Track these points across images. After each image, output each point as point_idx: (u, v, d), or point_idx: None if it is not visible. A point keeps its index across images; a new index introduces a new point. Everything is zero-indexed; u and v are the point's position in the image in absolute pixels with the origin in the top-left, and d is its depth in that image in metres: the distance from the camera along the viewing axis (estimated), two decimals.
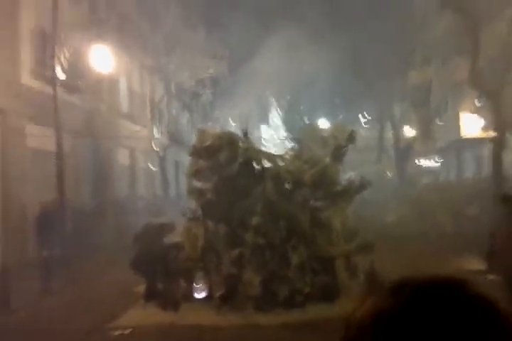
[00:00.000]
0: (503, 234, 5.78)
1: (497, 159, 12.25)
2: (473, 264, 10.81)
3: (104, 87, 17.43)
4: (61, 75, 12.69)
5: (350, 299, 7.83)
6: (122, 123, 19.65)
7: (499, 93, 12.04)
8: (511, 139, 18.57)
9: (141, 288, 8.14)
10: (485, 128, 18.90)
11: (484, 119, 19.24)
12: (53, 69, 12.44)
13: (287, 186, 8.51)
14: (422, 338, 0.55)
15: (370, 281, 8.28)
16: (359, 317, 0.61)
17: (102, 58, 14.58)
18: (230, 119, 32.80)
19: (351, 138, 8.52)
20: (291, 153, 9.11)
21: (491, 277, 9.33)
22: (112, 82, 18.50)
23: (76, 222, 13.07)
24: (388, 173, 24.56)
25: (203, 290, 7.90)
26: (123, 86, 21.02)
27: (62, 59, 12.78)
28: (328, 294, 7.83)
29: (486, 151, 16.54)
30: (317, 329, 6.57)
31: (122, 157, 20.30)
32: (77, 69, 15.02)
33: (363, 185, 9.25)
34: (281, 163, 8.76)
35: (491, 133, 15.25)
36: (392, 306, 0.59)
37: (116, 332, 6.51)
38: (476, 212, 15.30)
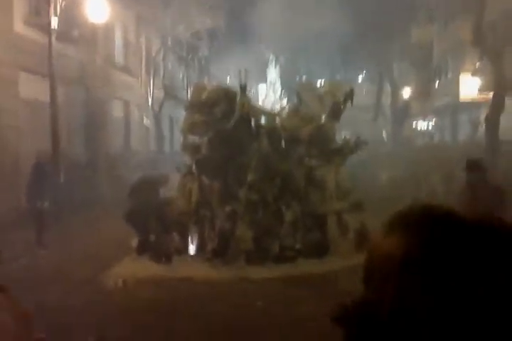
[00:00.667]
0: (466, 202, 5.60)
1: (492, 123, 12.19)
2: None
3: (99, 37, 16.95)
4: (56, 24, 12.27)
5: (339, 255, 8.01)
6: (117, 75, 19.26)
7: (501, 54, 11.82)
8: (508, 102, 18.45)
9: (135, 240, 8.25)
10: (483, 90, 18.72)
11: (483, 81, 19.02)
12: (48, 18, 12.03)
13: (283, 143, 8.47)
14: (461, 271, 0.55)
15: (360, 239, 8.44)
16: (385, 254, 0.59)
17: (97, 8, 14.08)
18: (227, 75, 32.24)
19: (349, 95, 8.40)
20: (287, 109, 9.01)
21: None
22: (107, 33, 17.99)
23: (69, 174, 13.05)
24: (384, 133, 24.49)
25: (196, 243, 8.03)
26: (118, 37, 20.45)
27: (57, 7, 12.31)
28: (319, 250, 7.98)
29: (483, 114, 16.44)
30: (306, 284, 6.75)
31: (116, 109, 20.05)
32: (72, 19, 14.54)
33: (358, 145, 9.23)
34: (277, 120, 8.69)
35: (489, 96, 15.12)
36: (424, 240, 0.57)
37: (108, 283, 6.64)
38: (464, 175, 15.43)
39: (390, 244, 0.59)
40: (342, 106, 8.43)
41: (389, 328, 0.56)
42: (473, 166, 5.82)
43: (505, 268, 0.55)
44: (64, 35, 13.66)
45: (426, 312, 0.54)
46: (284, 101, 33.02)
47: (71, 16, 14.36)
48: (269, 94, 43.47)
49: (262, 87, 46.66)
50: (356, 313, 0.61)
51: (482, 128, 17.09)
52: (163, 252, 7.62)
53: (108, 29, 17.51)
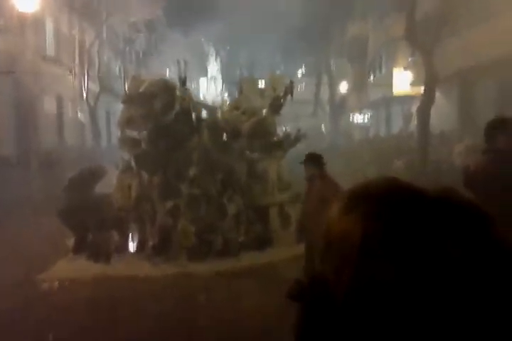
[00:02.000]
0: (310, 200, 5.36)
1: (423, 115, 12.72)
2: None
3: (28, 28, 16.10)
4: None
5: (281, 247, 8.11)
6: (48, 68, 18.41)
7: (431, 49, 12.33)
8: (438, 97, 19.33)
9: (71, 240, 7.93)
10: (415, 84, 19.50)
11: (415, 75, 19.80)
12: None
13: (224, 136, 8.43)
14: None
15: (300, 230, 8.57)
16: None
17: None
18: (166, 68, 31.63)
19: (289, 89, 8.46)
20: (228, 103, 8.95)
21: None
22: (37, 23, 17.12)
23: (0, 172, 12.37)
24: (323, 127, 24.97)
25: (136, 241, 7.83)
26: (49, 28, 19.53)
27: None
28: (261, 242, 8.03)
29: (414, 108, 17.15)
30: (250, 276, 6.77)
31: (49, 104, 19.19)
32: None
33: (298, 138, 9.35)
34: (218, 113, 8.62)
35: (420, 90, 15.76)
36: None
37: (44, 285, 6.34)
38: (401, 166, 16.06)
39: (349, 221, 0.56)
40: (282, 100, 8.48)
41: (344, 308, 0.53)
42: (311, 160, 5.63)
43: (466, 244, 0.53)
44: None
45: (385, 294, 0.51)
46: (225, 95, 32.93)
47: None
48: (211, 88, 43.25)
49: (203, 81, 46.34)
50: (312, 291, 0.57)
51: (414, 121, 17.81)
52: (102, 251, 7.36)
53: (38, 19, 16.67)
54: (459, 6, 14.52)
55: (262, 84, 10.09)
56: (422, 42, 13.02)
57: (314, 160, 5.60)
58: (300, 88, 33.05)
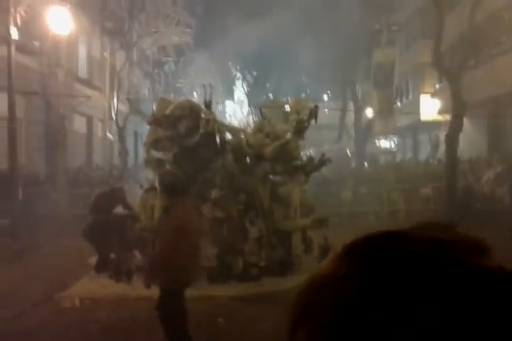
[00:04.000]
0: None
1: (451, 142, 12.57)
2: None
3: (62, 50, 16.67)
4: (15, 35, 11.99)
5: (304, 272, 7.99)
6: (80, 89, 18.94)
7: (458, 77, 12.27)
8: (466, 124, 19.12)
9: (94, 258, 7.99)
10: (442, 111, 19.35)
11: (442, 102, 19.67)
12: (7, 28, 11.75)
13: (248, 159, 8.46)
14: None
15: (324, 256, 8.45)
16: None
17: (61, 19, 13.88)
18: (193, 91, 32.21)
19: (313, 113, 8.49)
20: (253, 126, 9.02)
21: None
22: (71, 46, 17.72)
23: (27, 190, 12.63)
24: (348, 152, 24.86)
25: None
26: (82, 50, 20.18)
27: (17, 17, 12.05)
28: (283, 267, 7.93)
29: (442, 134, 16.98)
30: (269, 301, 6.67)
31: (79, 124, 19.66)
32: (33, 30, 14.27)
33: (322, 162, 9.31)
34: (242, 136, 8.68)
35: (448, 117, 15.63)
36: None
37: (65, 303, 6.37)
38: (428, 193, 15.80)
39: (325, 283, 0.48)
40: (306, 124, 8.50)
41: None
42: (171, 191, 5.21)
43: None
44: (24, 46, 13.39)
45: None
46: (251, 118, 33.22)
47: (32, 27, 14.10)
48: (237, 112, 43.73)
49: (229, 104, 46.92)
50: None
51: (441, 148, 17.61)
52: (124, 270, 7.38)
53: (71, 42, 17.27)
54: (486, 35, 14.51)
55: (287, 108, 10.16)
56: (449, 69, 12.98)
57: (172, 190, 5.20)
58: (325, 113, 33.14)
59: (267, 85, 35.22)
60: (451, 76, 12.81)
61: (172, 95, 30.20)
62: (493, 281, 0.46)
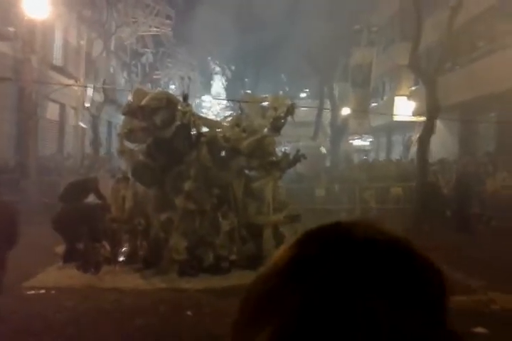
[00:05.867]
0: None
1: (423, 143, 12.79)
2: None
3: (37, 36, 16.27)
4: None
5: None
6: (54, 77, 18.55)
7: (434, 80, 12.47)
8: (439, 125, 19.46)
9: (62, 248, 7.87)
10: (417, 113, 19.66)
11: (417, 104, 19.98)
12: None
13: (223, 153, 8.44)
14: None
15: None
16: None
17: (37, 5, 13.53)
18: (170, 84, 31.89)
19: (290, 110, 8.52)
20: (230, 120, 9.00)
21: None
22: (46, 32, 17.32)
23: None
24: (323, 149, 25.03)
25: (127, 252, 7.76)
26: (58, 37, 19.75)
27: None
28: (253, 261, 7.95)
29: (415, 135, 17.26)
30: (239, 295, 6.69)
31: (51, 112, 19.27)
32: (8, 15, 13.90)
33: (297, 158, 9.36)
34: (218, 130, 8.65)
35: (422, 118, 15.89)
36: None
37: (30, 292, 6.26)
38: (399, 192, 16.07)
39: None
40: (283, 121, 8.53)
41: None
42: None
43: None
44: None
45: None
46: (228, 113, 33.10)
47: (7, 12, 13.73)
48: (214, 106, 43.52)
49: (206, 99, 46.62)
50: None
51: (414, 148, 17.90)
52: (92, 261, 7.29)
53: (47, 28, 16.88)
54: (463, 41, 14.78)
55: (265, 104, 10.16)
56: (425, 71, 13.18)
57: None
58: (302, 110, 33.29)
59: (246, 80, 35.09)
60: (427, 78, 13.02)
61: (149, 86, 29.88)
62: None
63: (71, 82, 20.35)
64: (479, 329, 5.45)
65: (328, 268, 0.50)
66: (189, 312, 5.80)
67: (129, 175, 7.94)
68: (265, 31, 24.08)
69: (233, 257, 7.89)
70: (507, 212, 11.98)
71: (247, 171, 8.73)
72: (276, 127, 8.47)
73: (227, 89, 37.41)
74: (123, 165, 8.31)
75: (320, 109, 27.04)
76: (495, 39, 16.19)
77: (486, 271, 7.76)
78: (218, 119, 19.00)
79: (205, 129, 8.42)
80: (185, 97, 8.03)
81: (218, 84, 41.96)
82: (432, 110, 12.62)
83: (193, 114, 8.02)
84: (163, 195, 7.76)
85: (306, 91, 38.58)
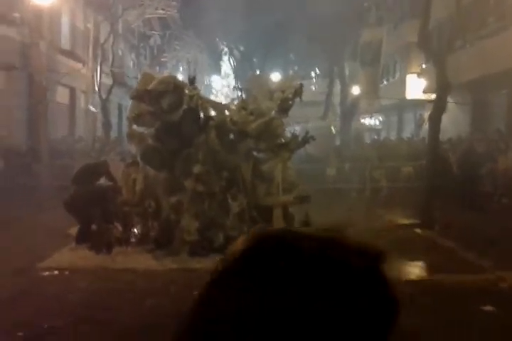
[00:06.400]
0: None
1: (434, 122, 12.66)
2: (404, 218, 11.47)
3: (44, 21, 16.24)
4: None
5: None
6: (62, 61, 18.58)
7: (444, 57, 12.27)
8: (450, 103, 19.21)
9: (75, 229, 8.02)
10: (428, 91, 19.41)
11: (428, 82, 19.71)
12: None
13: (231, 136, 8.46)
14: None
15: None
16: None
17: None
18: (179, 66, 31.74)
19: (298, 92, 8.47)
20: (237, 103, 8.99)
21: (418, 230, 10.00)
22: (53, 17, 17.29)
23: (8, 161, 12.51)
24: (333, 129, 24.91)
25: (139, 234, 7.90)
26: (65, 21, 19.70)
27: None
28: None
29: (427, 113, 17.08)
30: None
31: (61, 96, 19.37)
32: (13, 1, 13.88)
33: (306, 140, 9.36)
34: (226, 113, 8.66)
35: (433, 96, 15.68)
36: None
37: (44, 273, 6.42)
38: (410, 171, 16.00)
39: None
40: (291, 102, 8.50)
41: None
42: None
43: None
44: (5, 16, 13.03)
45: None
46: (238, 93, 32.99)
47: None
48: (224, 87, 43.31)
49: (216, 79, 46.40)
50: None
51: (425, 127, 17.74)
52: (104, 242, 7.44)
53: (54, 13, 16.84)
54: (473, 17, 14.47)
55: (272, 84, 10.11)
56: (435, 49, 12.97)
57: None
58: (312, 89, 33.05)
59: (254, 61, 34.77)
60: (437, 57, 12.81)
61: (157, 68, 29.79)
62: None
63: (79, 65, 20.39)
64: (487, 308, 5.51)
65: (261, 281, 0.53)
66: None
67: (139, 158, 8.02)
68: (273, 10, 23.77)
69: None
70: None
71: (255, 153, 8.76)
72: (284, 109, 8.45)
73: (235, 69, 37.12)
74: (133, 148, 8.38)
75: (330, 89, 26.81)
76: (505, 15, 15.85)
77: (496, 250, 7.78)
78: (228, 100, 19.00)
79: (213, 113, 8.43)
80: (192, 81, 8.03)
81: (227, 65, 41.66)
82: (442, 88, 12.44)
83: (201, 98, 8.03)
84: (172, 177, 7.84)
85: (315, 71, 38.18)
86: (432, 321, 5.11)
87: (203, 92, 9.07)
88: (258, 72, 30.39)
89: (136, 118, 7.99)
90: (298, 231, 0.59)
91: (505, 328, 4.81)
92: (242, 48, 34.24)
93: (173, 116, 7.80)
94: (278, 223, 8.54)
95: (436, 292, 6.11)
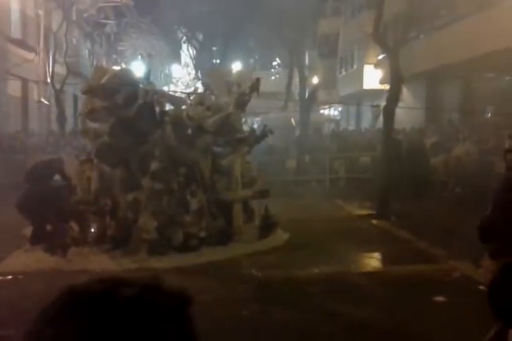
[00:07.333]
0: None
1: (389, 112, 12.91)
2: (362, 209, 11.71)
3: None
4: None
5: (243, 242, 8.17)
6: (13, 50, 17.85)
7: (397, 49, 12.46)
8: (406, 94, 19.59)
9: (29, 230, 7.79)
10: (384, 81, 19.73)
11: (384, 73, 20.03)
12: None
13: (189, 131, 8.37)
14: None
15: (263, 224, 8.67)
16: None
17: None
18: (137, 53, 31.00)
19: (255, 86, 8.44)
20: (193, 98, 8.87)
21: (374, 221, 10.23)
22: (1, 5, 16.54)
23: None
24: (293, 120, 25.00)
25: (95, 234, 7.74)
26: (14, 9, 18.87)
27: None
28: (223, 237, 8.06)
29: (383, 104, 17.38)
30: (210, 272, 6.79)
31: (13, 88, 18.64)
32: None
33: (264, 133, 9.38)
34: (184, 107, 8.55)
35: (388, 86, 15.94)
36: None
37: None
38: (367, 161, 16.31)
39: None
40: (248, 97, 8.46)
41: None
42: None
43: None
44: None
45: None
46: (198, 82, 32.45)
47: None
48: (184, 76, 42.64)
49: (176, 68, 45.62)
50: None
51: (381, 117, 18.04)
52: (59, 243, 7.25)
53: (2, 1, 16.10)
54: (426, 9, 14.75)
55: (229, 77, 10.02)
56: (389, 41, 13.16)
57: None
58: (273, 80, 33.04)
59: (214, 49, 34.32)
60: (390, 49, 13.00)
61: (114, 56, 29.05)
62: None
63: (32, 55, 19.64)
64: (439, 298, 5.70)
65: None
66: None
67: (93, 156, 7.82)
68: None
69: (202, 234, 7.94)
70: (470, 178, 12.33)
71: (214, 148, 8.70)
72: (241, 103, 8.41)
73: (195, 58, 36.59)
74: (87, 145, 8.16)
75: (289, 79, 26.84)
76: (457, 7, 16.24)
77: (449, 239, 8.03)
78: (188, 90, 18.67)
79: (170, 107, 8.31)
80: (148, 75, 7.87)
81: (186, 54, 41.00)
82: (395, 79, 12.67)
83: (156, 92, 7.88)
84: (129, 175, 7.70)
85: (276, 60, 38.12)
86: (386, 313, 5.26)
87: (162, 81, 8.90)
88: (218, 61, 30.07)
89: (90, 114, 7.78)
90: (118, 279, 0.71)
91: (457, 319, 4.99)
92: (201, 37, 33.73)
93: (127, 112, 7.63)
94: (238, 218, 8.56)
95: (390, 283, 6.29)
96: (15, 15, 18.87)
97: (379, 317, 5.14)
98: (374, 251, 8.18)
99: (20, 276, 6.34)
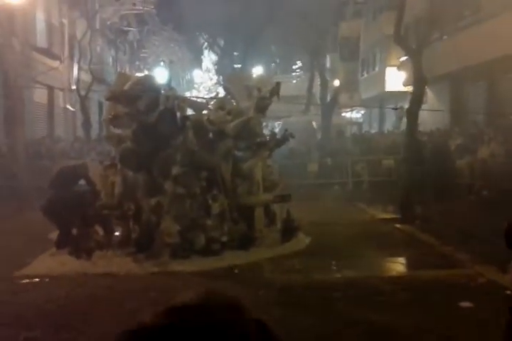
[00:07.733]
0: None
1: (412, 114, 12.77)
2: (385, 213, 11.58)
3: (17, 19, 15.92)
4: None
5: (265, 246, 8.17)
6: (39, 59, 18.27)
7: (420, 51, 12.33)
8: (431, 96, 19.37)
9: (55, 234, 7.94)
10: (407, 83, 19.54)
11: (407, 75, 19.83)
12: None
13: (210, 136, 8.43)
14: None
15: (285, 228, 8.65)
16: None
17: None
18: (160, 60, 31.44)
19: (275, 90, 8.46)
20: (215, 103, 8.94)
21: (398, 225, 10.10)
22: (27, 14, 16.96)
23: None
24: (314, 124, 24.93)
25: (119, 237, 7.84)
26: (40, 19, 19.34)
27: None
28: (245, 242, 8.07)
29: (406, 106, 17.22)
30: (231, 276, 6.81)
31: (39, 95, 19.07)
32: None
33: (285, 138, 9.38)
34: (204, 112, 8.62)
35: (411, 88, 15.77)
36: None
37: (23, 281, 6.35)
38: (391, 164, 16.12)
39: None
40: (268, 101, 8.49)
41: None
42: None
43: None
44: None
45: None
46: (220, 88, 32.71)
47: None
48: (206, 81, 43.02)
49: (197, 73, 46.06)
50: None
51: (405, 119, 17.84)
52: (84, 247, 7.38)
53: (27, 10, 16.51)
54: (449, 10, 14.57)
55: (250, 81, 10.05)
56: (410, 43, 13.04)
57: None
58: (294, 83, 33.03)
59: (235, 54, 34.52)
60: (412, 50, 12.88)
61: (137, 63, 29.49)
62: None
63: (57, 63, 20.07)
64: (465, 303, 5.58)
65: None
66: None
67: (116, 161, 7.94)
68: (252, 3, 23.63)
69: (224, 238, 7.97)
70: (496, 180, 12.08)
71: (235, 152, 8.74)
72: (262, 107, 8.44)
73: (216, 64, 36.84)
74: (111, 150, 8.30)
75: (311, 82, 26.80)
76: (481, 8, 16.00)
77: (475, 243, 7.88)
78: (210, 95, 18.79)
79: (190, 112, 8.38)
80: (169, 82, 7.97)
81: (208, 59, 41.34)
82: (418, 81, 12.54)
83: (177, 98, 7.97)
84: (151, 179, 7.79)
85: (297, 64, 38.12)
86: (411, 318, 5.18)
87: (185, 87, 9.01)
88: (239, 66, 30.21)
89: (113, 120, 7.90)
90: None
91: (483, 324, 4.89)
92: (222, 43, 33.98)
93: (149, 117, 7.73)
94: (259, 222, 8.56)
95: (415, 288, 6.19)
96: (40, 25, 19.33)
97: (402, 322, 5.06)
98: (398, 255, 8.07)
99: (47, 279, 6.47)
